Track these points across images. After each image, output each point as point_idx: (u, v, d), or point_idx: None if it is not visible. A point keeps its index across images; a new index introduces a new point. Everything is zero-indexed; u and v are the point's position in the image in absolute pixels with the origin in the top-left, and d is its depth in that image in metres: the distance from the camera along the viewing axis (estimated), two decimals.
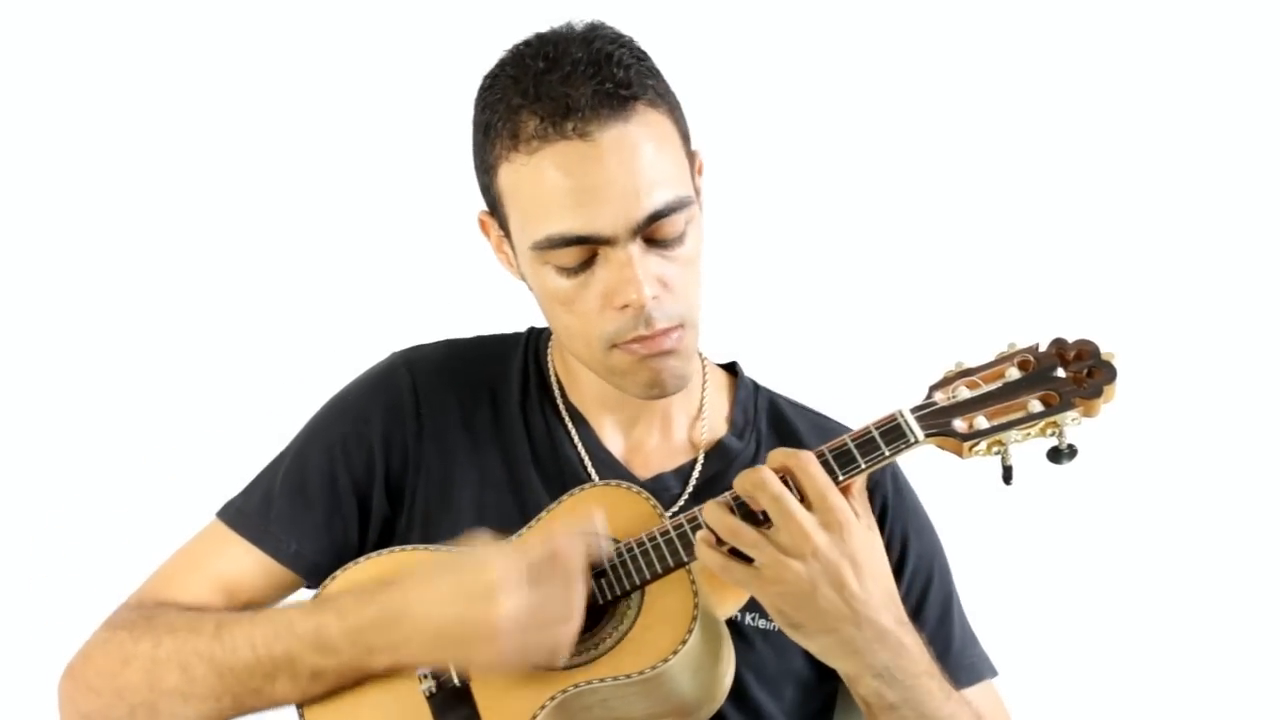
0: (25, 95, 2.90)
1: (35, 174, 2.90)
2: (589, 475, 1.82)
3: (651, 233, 1.67)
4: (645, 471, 1.84)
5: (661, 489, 1.81)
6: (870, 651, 1.58)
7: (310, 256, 2.89)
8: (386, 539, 1.83)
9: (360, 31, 2.93)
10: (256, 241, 2.90)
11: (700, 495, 1.80)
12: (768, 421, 1.88)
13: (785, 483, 1.57)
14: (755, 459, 1.84)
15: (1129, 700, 2.80)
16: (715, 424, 1.87)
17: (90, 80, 2.90)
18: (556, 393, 1.86)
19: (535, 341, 1.90)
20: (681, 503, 1.82)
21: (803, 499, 1.56)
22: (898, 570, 1.77)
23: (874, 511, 1.73)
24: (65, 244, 2.89)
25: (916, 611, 1.79)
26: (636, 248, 1.66)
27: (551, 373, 1.87)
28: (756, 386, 1.91)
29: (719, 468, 1.84)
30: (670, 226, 1.67)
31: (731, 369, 1.94)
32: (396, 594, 1.66)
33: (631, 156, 1.64)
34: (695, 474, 1.84)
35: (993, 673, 1.86)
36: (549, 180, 1.64)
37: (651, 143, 1.66)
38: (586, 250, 1.67)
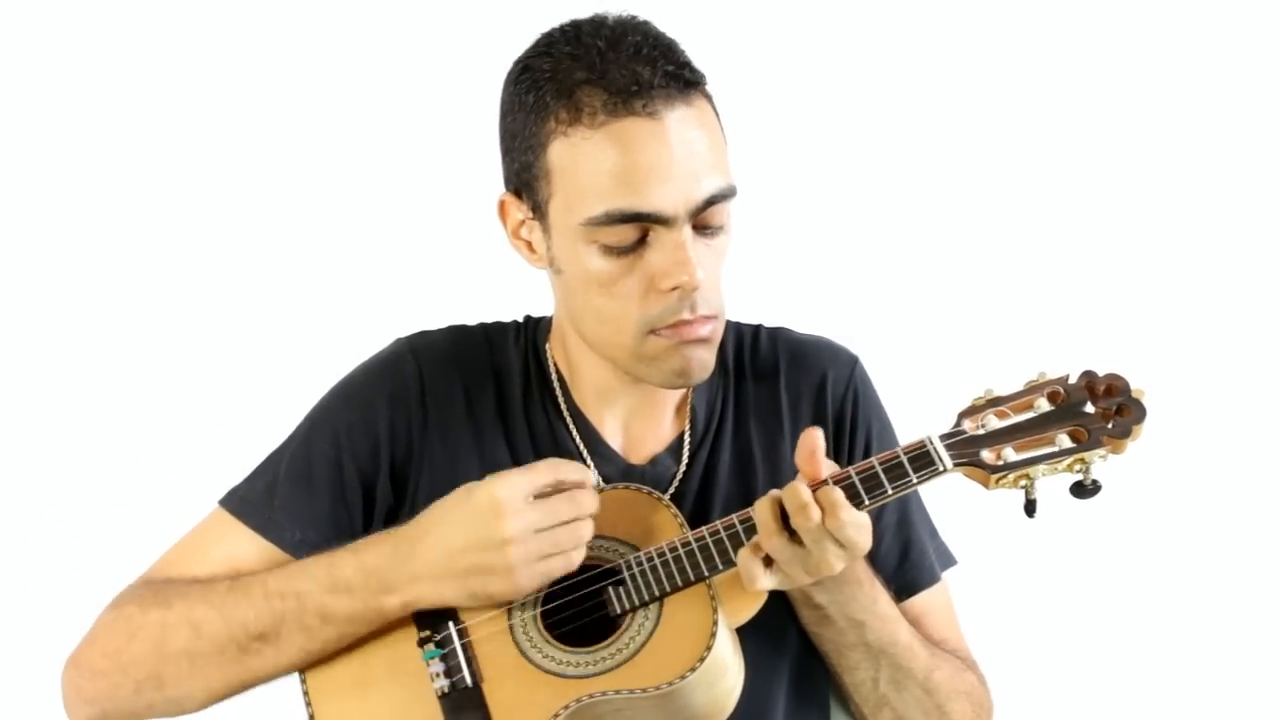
0: (26, 96, 2.87)
1: (35, 170, 2.88)
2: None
3: (703, 219, 1.68)
4: (644, 458, 1.83)
5: (663, 470, 1.82)
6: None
7: (311, 244, 2.88)
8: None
9: (359, 23, 2.91)
10: (257, 230, 2.89)
11: (695, 463, 1.82)
12: (734, 353, 1.87)
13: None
14: (725, 400, 1.85)
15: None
16: None
17: (85, 73, 2.88)
18: (557, 387, 1.85)
19: (533, 333, 1.88)
20: (679, 479, 1.82)
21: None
22: None
23: (842, 411, 1.82)
24: (62, 235, 2.88)
25: (876, 517, 1.81)
26: (689, 231, 1.67)
27: (552, 366, 1.86)
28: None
29: (703, 430, 1.84)
30: (718, 214, 1.69)
31: None
32: (407, 531, 1.68)
33: (694, 139, 1.66)
34: (686, 446, 1.84)
35: (950, 564, 1.88)
36: (611, 156, 1.65)
37: (708, 129, 1.68)
38: (639, 229, 1.67)
